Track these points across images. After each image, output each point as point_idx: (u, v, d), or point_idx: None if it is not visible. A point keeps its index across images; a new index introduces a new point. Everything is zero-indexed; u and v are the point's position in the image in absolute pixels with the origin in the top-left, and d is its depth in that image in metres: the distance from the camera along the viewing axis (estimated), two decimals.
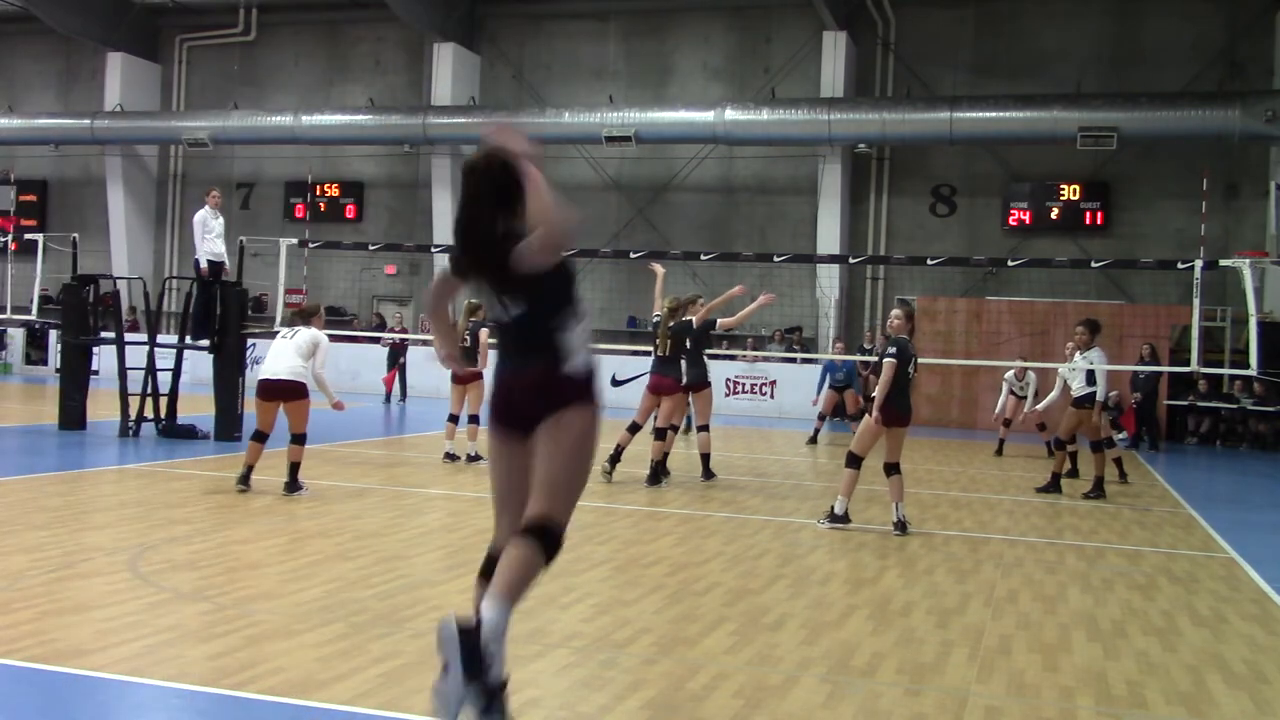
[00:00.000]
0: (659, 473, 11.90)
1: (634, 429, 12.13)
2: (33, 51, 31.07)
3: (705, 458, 12.43)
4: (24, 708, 4.59)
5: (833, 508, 9.72)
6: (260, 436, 10.03)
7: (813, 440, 17.79)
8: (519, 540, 3.99)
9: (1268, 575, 8.30)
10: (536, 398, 4.04)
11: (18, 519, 8.36)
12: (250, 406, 14.92)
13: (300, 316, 10.40)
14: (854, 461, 9.60)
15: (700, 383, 12.26)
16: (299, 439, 9.99)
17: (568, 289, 4.12)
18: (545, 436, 4.02)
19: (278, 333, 10.59)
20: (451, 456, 13.02)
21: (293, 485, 9.99)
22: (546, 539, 3.99)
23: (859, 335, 24.52)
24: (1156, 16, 23.56)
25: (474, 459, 12.90)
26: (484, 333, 12.79)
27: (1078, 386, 12.46)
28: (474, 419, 13.07)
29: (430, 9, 26.13)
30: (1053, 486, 12.68)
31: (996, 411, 17.23)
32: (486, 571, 4.15)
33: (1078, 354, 12.66)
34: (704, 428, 12.48)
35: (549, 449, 4.02)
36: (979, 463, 15.14)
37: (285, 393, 9.84)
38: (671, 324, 11.96)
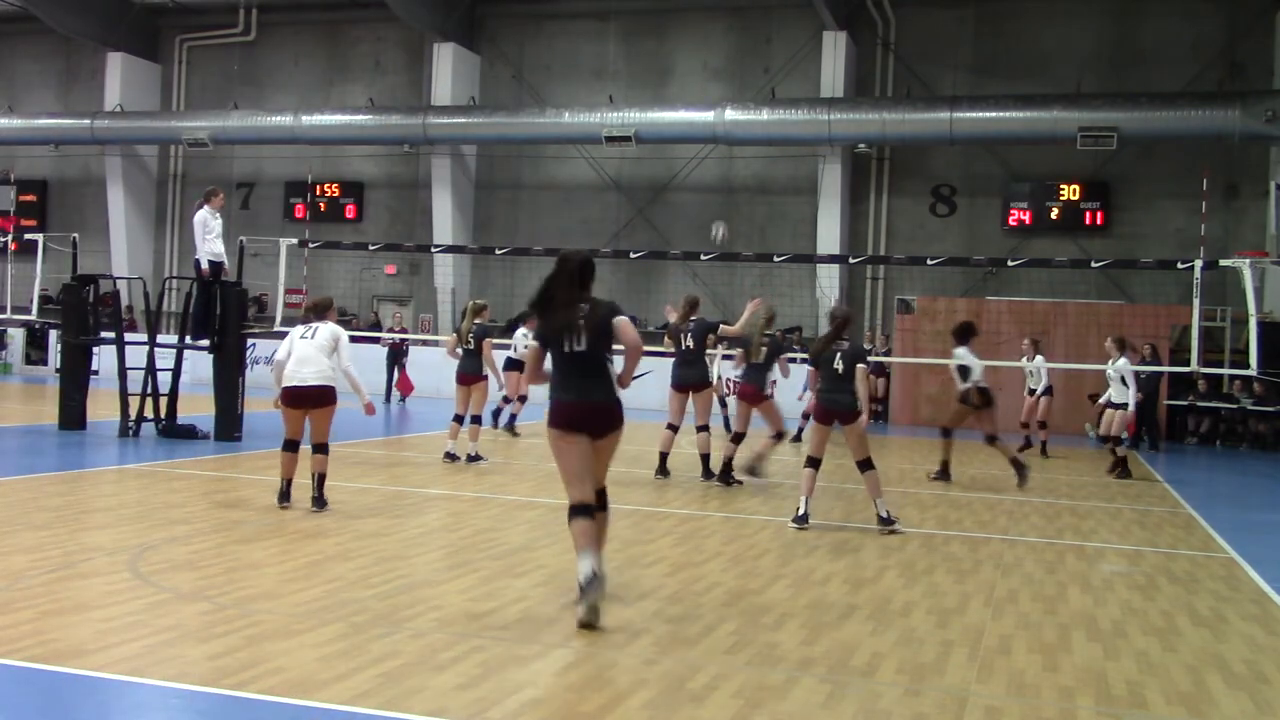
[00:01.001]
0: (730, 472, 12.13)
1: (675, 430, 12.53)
2: (33, 51, 31.08)
3: (705, 458, 12.44)
4: (24, 708, 4.59)
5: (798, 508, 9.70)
6: (292, 445, 9.34)
7: (796, 439, 17.73)
8: (600, 512, 6.50)
9: (1268, 575, 8.30)
10: (603, 421, 6.42)
11: (18, 519, 8.36)
12: (250, 406, 15.00)
13: (314, 312, 9.66)
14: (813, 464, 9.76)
15: (703, 382, 12.36)
16: (322, 448, 9.32)
17: (611, 335, 6.52)
18: (605, 445, 6.47)
19: (283, 332, 10.37)
20: (451, 456, 13.01)
21: (321, 500, 9.26)
22: (605, 498, 6.64)
23: (859, 335, 24.54)
24: (1156, 16, 23.57)
25: (474, 459, 12.90)
26: (487, 342, 12.83)
27: (1119, 392, 14.48)
28: (476, 420, 13.08)
29: (430, 9, 26.13)
30: (1122, 470, 14.38)
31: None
32: (579, 511, 6.28)
33: (1110, 363, 14.60)
34: (704, 428, 12.50)
35: (606, 454, 6.52)
36: (979, 463, 15.13)
37: (313, 399, 9.17)
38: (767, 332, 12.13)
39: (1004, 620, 6.66)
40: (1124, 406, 14.47)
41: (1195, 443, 20.77)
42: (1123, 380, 14.41)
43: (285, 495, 9.28)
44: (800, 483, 9.73)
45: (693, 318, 12.45)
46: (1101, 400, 15.12)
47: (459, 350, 12.97)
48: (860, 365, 9.55)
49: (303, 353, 9.21)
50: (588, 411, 6.38)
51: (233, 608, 6.12)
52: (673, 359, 12.51)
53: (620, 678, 5.22)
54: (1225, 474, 16.67)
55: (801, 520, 9.52)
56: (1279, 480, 16.28)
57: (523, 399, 16.93)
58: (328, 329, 9.39)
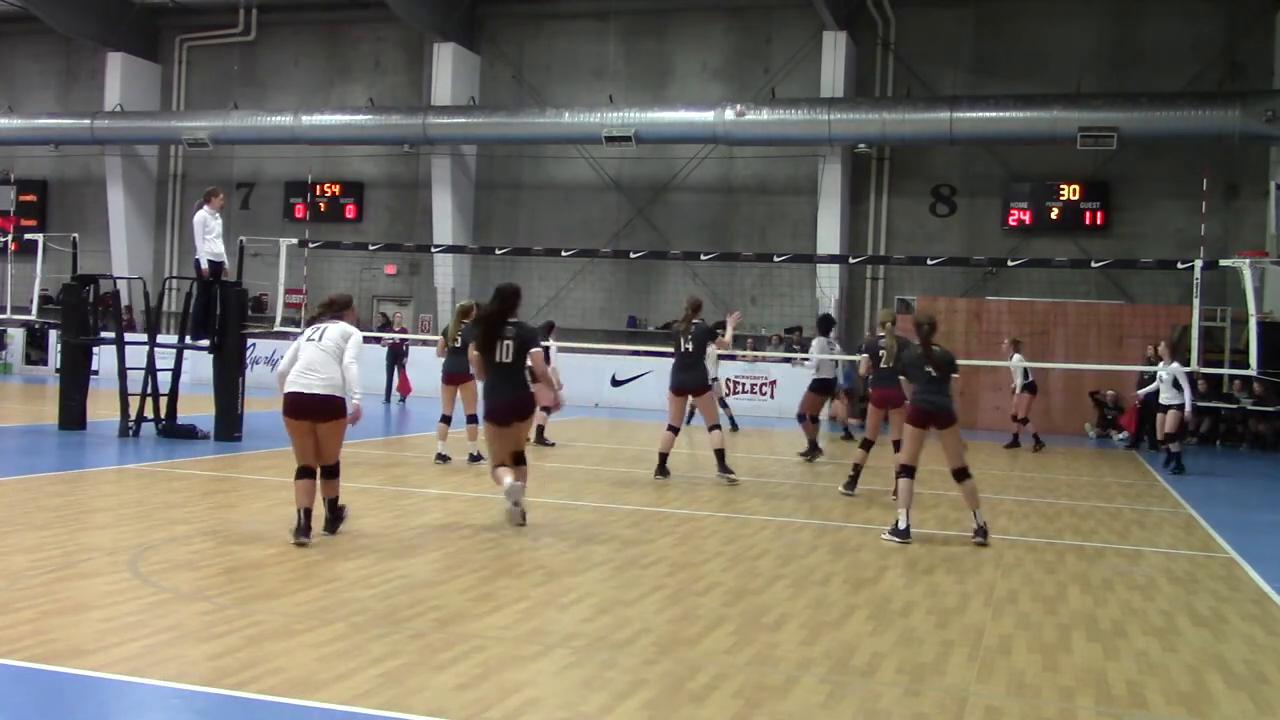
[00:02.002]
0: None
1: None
2: (33, 51, 31.07)
3: (719, 454, 12.41)
4: (24, 708, 4.59)
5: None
6: (307, 472, 8.10)
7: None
8: (521, 466, 9.12)
9: (1268, 575, 8.30)
10: (523, 410, 9.24)
11: (18, 519, 8.36)
12: (250, 406, 14.99)
13: (330, 309, 8.43)
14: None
15: (701, 386, 12.40)
16: (332, 471, 8.22)
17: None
18: (523, 427, 9.34)
19: (283, 332, 9.94)
20: (443, 458, 12.97)
21: (335, 523, 8.38)
22: (524, 456, 9.29)
23: (859, 335, 24.53)
24: (1156, 16, 23.56)
25: (475, 459, 12.86)
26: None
27: (1170, 394, 15.58)
28: (472, 419, 13.04)
29: (430, 9, 26.13)
30: (1176, 465, 15.41)
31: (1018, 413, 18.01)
32: (503, 465, 8.82)
33: (1162, 366, 15.82)
34: (714, 427, 12.53)
35: (523, 432, 9.35)
36: (978, 463, 15.11)
37: (318, 410, 7.99)
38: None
39: (1004, 620, 6.66)
40: (1180, 407, 15.57)
41: (1195, 443, 20.74)
42: (1175, 383, 15.55)
43: (304, 530, 7.93)
44: (898, 494, 9.32)
45: (695, 320, 12.45)
46: (1160, 399, 16.05)
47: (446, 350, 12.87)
48: (954, 375, 9.31)
49: (309, 357, 8.05)
50: (513, 405, 9.00)
51: (233, 608, 6.12)
52: (673, 361, 12.51)
53: (620, 678, 5.22)
54: (1225, 474, 16.66)
55: (903, 534, 9.01)
56: (1279, 480, 16.28)
57: (547, 410, 16.72)
58: (337, 329, 8.22)
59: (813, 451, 15.24)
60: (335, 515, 8.38)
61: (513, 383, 9.03)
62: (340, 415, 8.06)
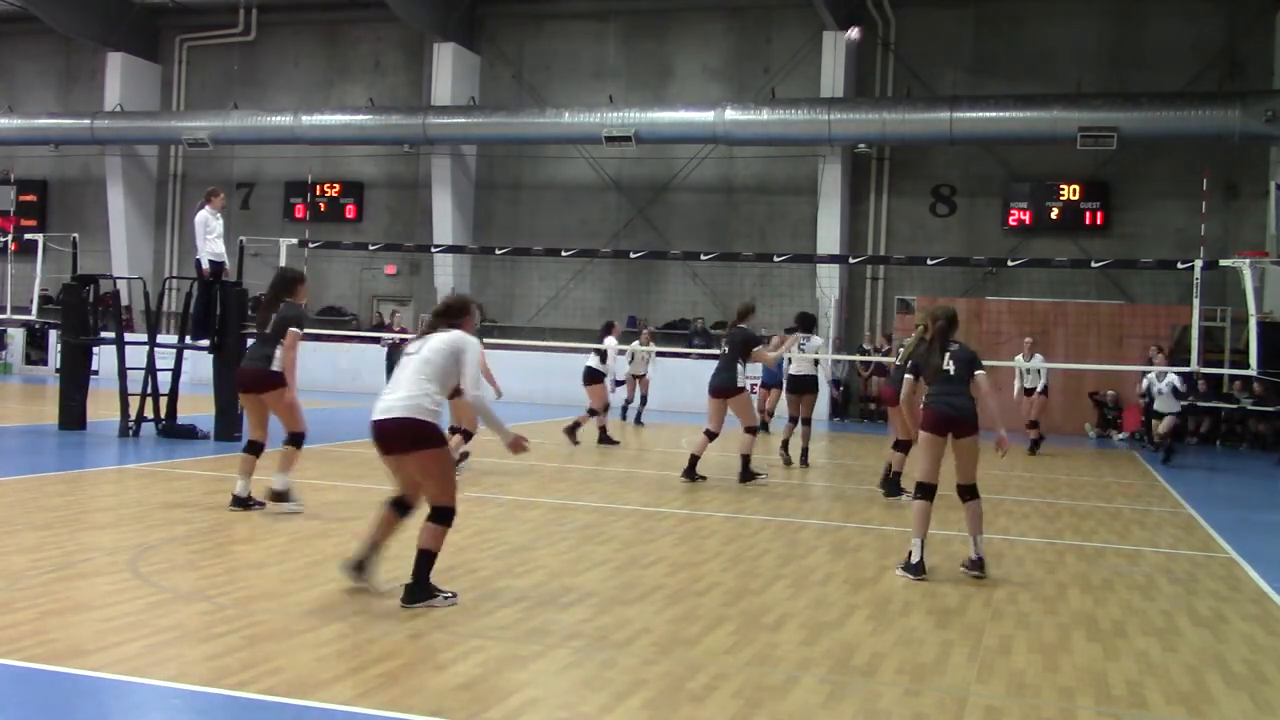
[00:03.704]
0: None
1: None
2: (33, 51, 31.07)
3: (744, 459, 12.41)
4: (24, 708, 4.58)
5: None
6: (396, 503, 6.60)
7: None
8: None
9: (1268, 575, 8.30)
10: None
11: (18, 519, 8.36)
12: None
13: (443, 317, 6.71)
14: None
15: (729, 389, 12.35)
16: (440, 514, 6.36)
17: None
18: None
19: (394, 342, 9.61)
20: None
21: (420, 591, 6.31)
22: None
23: (859, 335, 24.54)
24: (1157, 16, 23.56)
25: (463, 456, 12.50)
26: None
27: (1165, 404, 16.55)
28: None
29: (430, 9, 26.13)
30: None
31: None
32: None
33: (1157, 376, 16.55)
34: (749, 429, 12.49)
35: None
36: (982, 464, 15.11)
37: (394, 439, 6.35)
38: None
39: (1004, 620, 6.66)
40: (1177, 414, 16.68)
41: (1195, 443, 20.76)
42: (1175, 391, 16.57)
43: (359, 566, 6.53)
44: (912, 520, 7.93)
45: (740, 325, 12.45)
46: (1157, 405, 16.96)
47: None
48: (980, 372, 7.97)
49: (397, 374, 6.51)
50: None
51: (233, 608, 6.12)
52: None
53: (620, 678, 5.22)
54: (1225, 474, 16.67)
55: (916, 569, 7.71)
56: (1279, 480, 16.28)
57: (607, 408, 16.74)
58: (442, 338, 6.54)
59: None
60: (422, 571, 6.31)
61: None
62: (424, 445, 6.30)
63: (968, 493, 7.93)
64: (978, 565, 7.83)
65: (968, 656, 5.84)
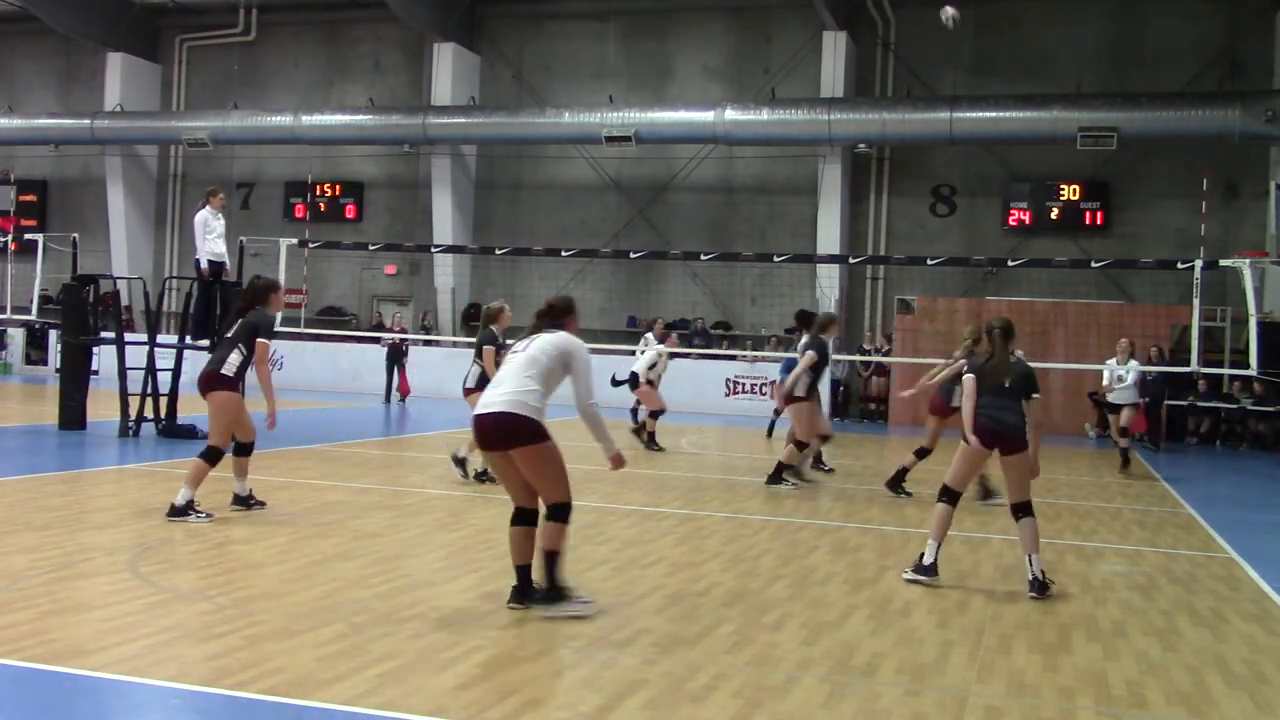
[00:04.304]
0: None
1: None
2: (33, 51, 31.07)
3: (778, 465, 12.37)
4: (24, 708, 4.58)
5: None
6: (520, 517, 6.40)
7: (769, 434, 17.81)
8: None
9: (1268, 575, 8.30)
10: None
11: (18, 519, 8.36)
12: (250, 406, 14.94)
13: (547, 317, 6.67)
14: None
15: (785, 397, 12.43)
16: (557, 511, 6.27)
17: None
18: None
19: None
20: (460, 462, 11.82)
21: (553, 594, 6.28)
22: None
23: (859, 335, 24.54)
24: (1156, 16, 23.56)
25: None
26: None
27: (1124, 394, 15.36)
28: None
29: (430, 9, 26.13)
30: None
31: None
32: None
33: (1118, 363, 15.27)
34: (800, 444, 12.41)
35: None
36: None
37: (497, 433, 6.26)
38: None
39: (1004, 620, 6.66)
40: (1135, 406, 15.57)
41: (1195, 443, 20.76)
42: (1134, 380, 15.56)
43: (516, 593, 6.37)
44: (932, 523, 7.75)
45: (821, 336, 12.30)
46: (1113, 397, 15.69)
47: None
48: (1036, 395, 7.63)
49: (503, 370, 6.51)
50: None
51: (233, 608, 6.12)
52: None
53: (620, 678, 5.22)
54: (1225, 474, 16.67)
55: (929, 570, 7.54)
56: (1279, 480, 16.28)
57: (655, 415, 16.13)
58: (550, 340, 6.46)
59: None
60: (548, 573, 6.26)
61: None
62: (529, 441, 6.19)
63: (1022, 510, 7.54)
64: (1039, 586, 7.30)
65: (968, 656, 5.84)
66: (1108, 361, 15.67)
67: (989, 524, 10.27)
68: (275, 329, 9.73)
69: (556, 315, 6.64)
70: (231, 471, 9.23)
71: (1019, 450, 7.54)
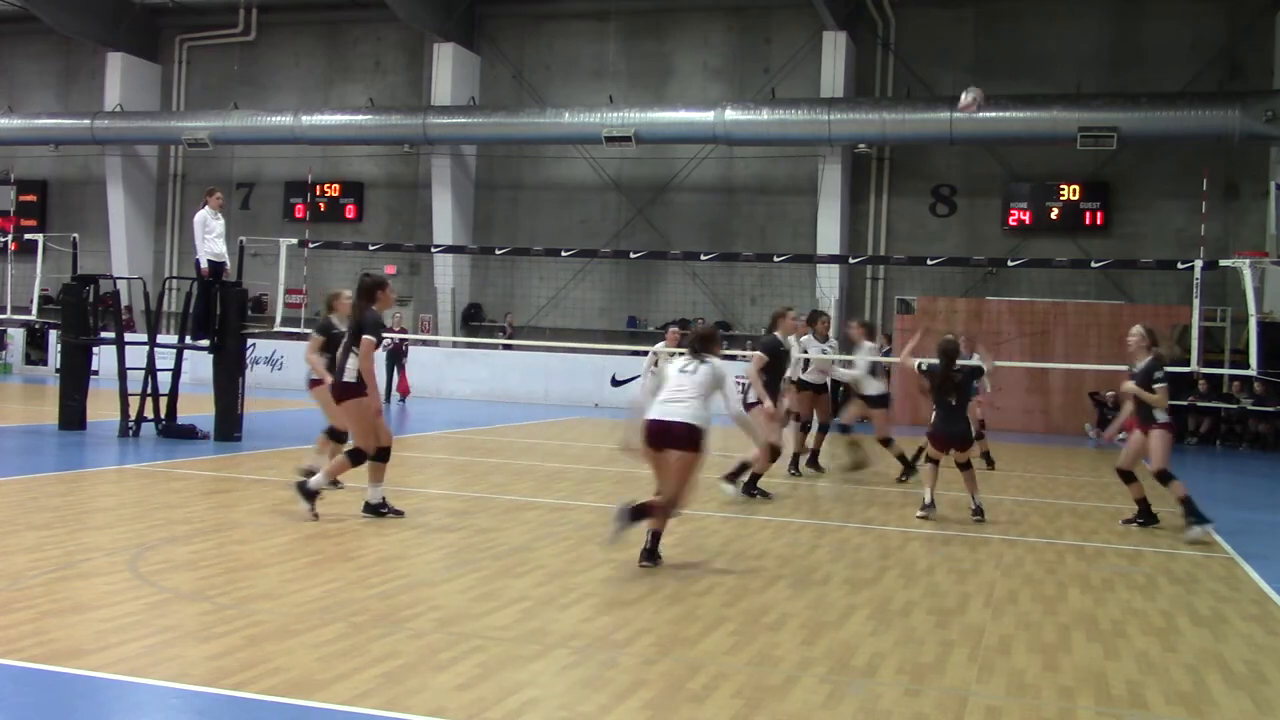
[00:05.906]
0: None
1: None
2: (33, 51, 31.07)
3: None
4: (24, 708, 4.58)
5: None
6: (639, 513, 7.67)
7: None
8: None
9: (1268, 575, 8.30)
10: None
11: (18, 519, 8.36)
12: (251, 406, 14.98)
13: (701, 344, 8.07)
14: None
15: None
16: (668, 507, 7.77)
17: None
18: None
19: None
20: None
21: (652, 554, 7.72)
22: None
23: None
24: (1156, 17, 23.56)
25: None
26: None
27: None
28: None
29: (430, 9, 26.13)
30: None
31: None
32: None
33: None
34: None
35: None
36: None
37: (678, 438, 7.59)
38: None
39: (1004, 620, 6.66)
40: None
41: (1195, 443, 20.75)
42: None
43: (646, 553, 7.68)
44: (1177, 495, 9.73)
45: (777, 332, 12.23)
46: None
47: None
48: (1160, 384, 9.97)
49: (679, 383, 7.78)
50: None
51: (233, 608, 6.12)
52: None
53: (620, 677, 5.22)
54: (1225, 474, 16.66)
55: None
56: (1279, 480, 16.28)
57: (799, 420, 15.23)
58: (710, 371, 7.83)
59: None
60: (654, 546, 7.70)
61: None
62: (698, 449, 7.59)
63: (1163, 478, 10.01)
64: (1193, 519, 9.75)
65: (968, 656, 5.84)
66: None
67: (989, 524, 10.26)
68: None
69: (707, 343, 8.10)
70: (308, 476, 9.17)
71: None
